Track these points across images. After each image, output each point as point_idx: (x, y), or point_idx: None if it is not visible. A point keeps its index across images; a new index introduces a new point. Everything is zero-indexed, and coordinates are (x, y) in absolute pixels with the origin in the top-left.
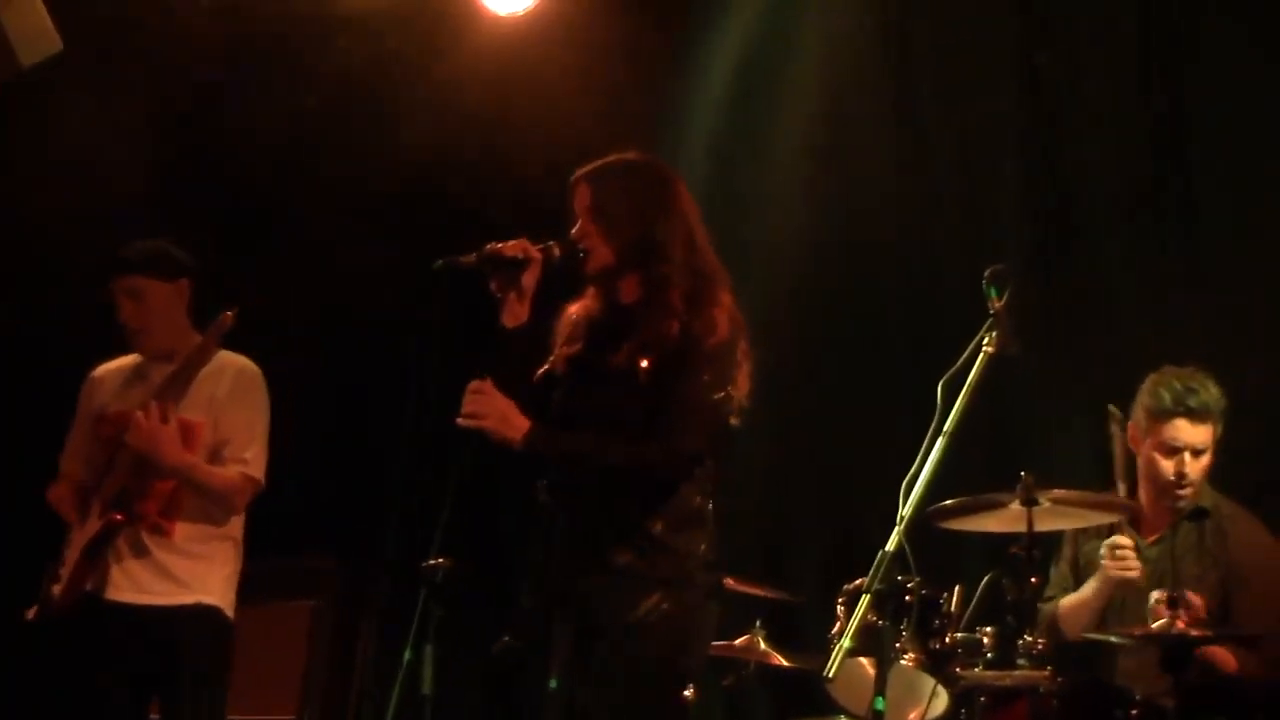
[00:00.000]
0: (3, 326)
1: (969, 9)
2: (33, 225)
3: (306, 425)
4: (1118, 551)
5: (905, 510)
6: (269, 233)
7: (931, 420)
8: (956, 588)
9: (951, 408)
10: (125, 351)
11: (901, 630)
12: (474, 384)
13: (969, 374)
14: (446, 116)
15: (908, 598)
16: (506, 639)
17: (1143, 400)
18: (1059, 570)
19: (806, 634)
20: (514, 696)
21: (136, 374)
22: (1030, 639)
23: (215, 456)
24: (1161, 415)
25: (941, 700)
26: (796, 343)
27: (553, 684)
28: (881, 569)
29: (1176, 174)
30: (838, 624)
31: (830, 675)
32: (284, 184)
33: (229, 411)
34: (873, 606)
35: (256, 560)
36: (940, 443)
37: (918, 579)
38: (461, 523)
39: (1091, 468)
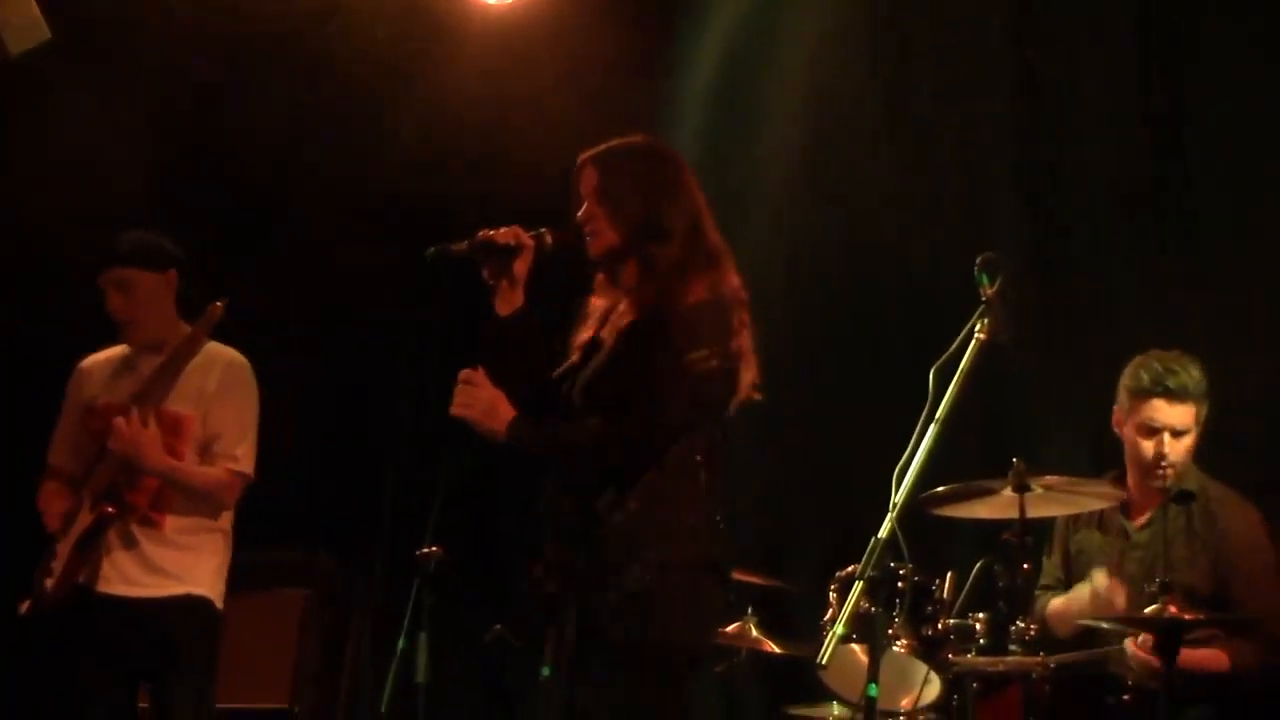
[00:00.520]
0: (2, 326)
1: (966, 8)
2: (32, 225)
3: (302, 419)
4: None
5: (897, 497)
6: (269, 233)
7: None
8: (949, 574)
9: (943, 395)
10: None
11: (894, 617)
12: (464, 373)
13: (961, 361)
14: (443, 115)
15: (900, 584)
16: (499, 627)
17: (1124, 381)
18: (1050, 561)
19: (797, 621)
20: (507, 685)
21: (125, 365)
22: (1022, 625)
23: (206, 451)
24: (1140, 395)
25: (934, 687)
26: (792, 340)
27: (545, 672)
28: (874, 556)
29: (1176, 174)
30: (830, 611)
31: (823, 662)
32: (283, 183)
33: (219, 406)
34: (865, 593)
35: (249, 551)
36: (932, 430)
37: (910, 566)
38: (456, 512)
39: (1084, 458)
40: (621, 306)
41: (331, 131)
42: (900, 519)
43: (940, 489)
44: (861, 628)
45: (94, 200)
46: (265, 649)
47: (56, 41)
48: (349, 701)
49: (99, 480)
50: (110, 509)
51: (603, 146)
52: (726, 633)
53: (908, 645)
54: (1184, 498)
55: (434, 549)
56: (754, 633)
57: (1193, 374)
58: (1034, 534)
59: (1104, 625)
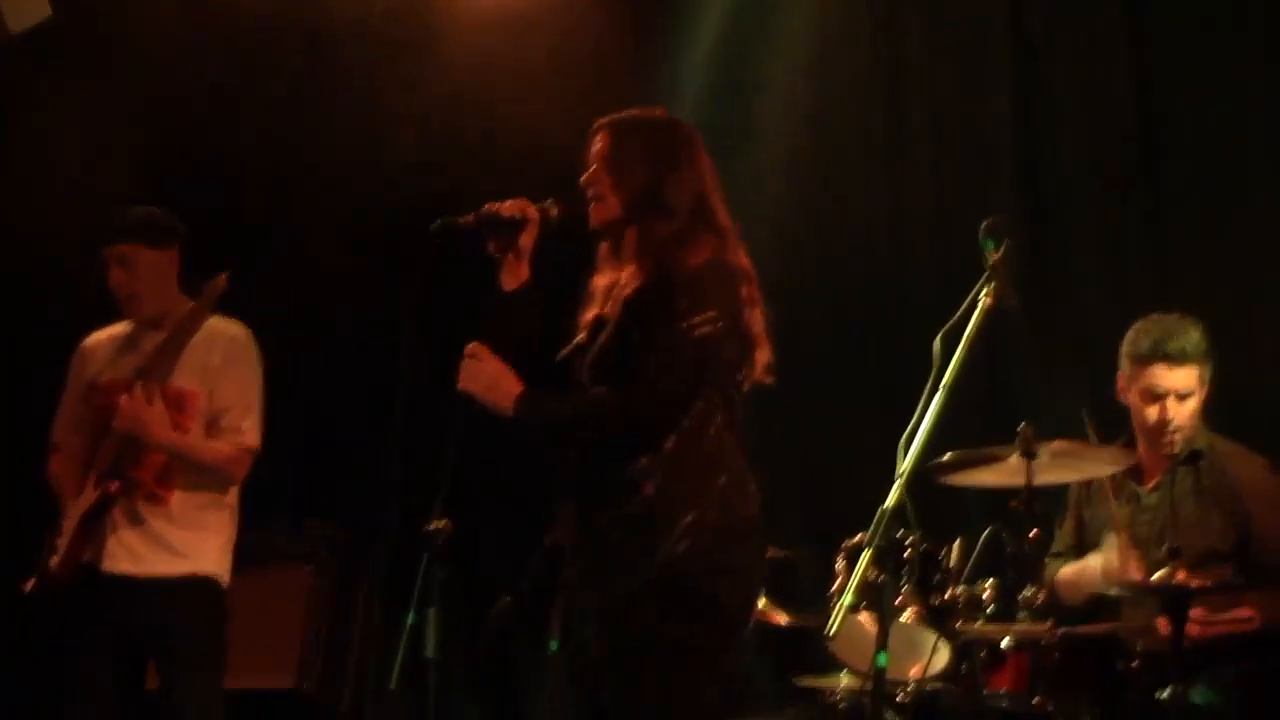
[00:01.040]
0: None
1: (964, 8)
2: (32, 225)
3: (306, 393)
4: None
5: (904, 465)
6: (268, 212)
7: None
8: (956, 542)
9: (949, 361)
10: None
11: (902, 586)
12: (470, 347)
13: (966, 327)
14: (439, 115)
15: (908, 553)
16: (507, 599)
17: (1125, 348)
18: (1064, 529)
19: (802, 591)
20: (512, 659)
21: (128, 341)
22: (1031, 593)
23: (212, 425)
24: (1141, 361)
25: (943, 655)
26: (790, 325)
27: (553, 646)
28: (881, 525)
29: (1175, 143)
30: (838, 581)
31: (831, 634)
32: (281, 182)
33: (224, 380)
34: (873, 563)
35: (255, 527)
36: (939, 396)
37: (917, 534)
38: (464, 485)
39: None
40: (624, 279)
41: (327, 130)
42: (907, 487)
43: (947, 457)
44: (869, 597)
45: (93, 200)
46: (271, 626)
47: (57, 19)
48: (357, 677)
49: (103, 457)
50: (115, 486)
51: (620, 114)
52: None
53: (916, 614)
54: (1193, 458)
55: (442, 523)
56: (760, 603)
57: (1192, 336)
58: (1042, 501)
59: (1113, 593)
